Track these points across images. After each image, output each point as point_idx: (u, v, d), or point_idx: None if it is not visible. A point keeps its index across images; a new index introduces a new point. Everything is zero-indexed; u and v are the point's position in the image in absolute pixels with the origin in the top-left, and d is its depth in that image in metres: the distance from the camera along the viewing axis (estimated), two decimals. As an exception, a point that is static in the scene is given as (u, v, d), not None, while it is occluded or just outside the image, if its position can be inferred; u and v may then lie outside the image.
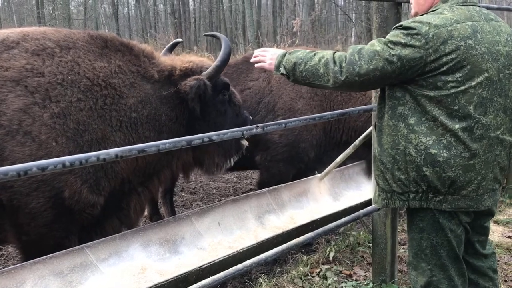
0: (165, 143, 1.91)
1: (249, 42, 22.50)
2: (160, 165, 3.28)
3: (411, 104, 2.14)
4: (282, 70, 2.38)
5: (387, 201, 2.31)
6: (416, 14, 2.36)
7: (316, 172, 4.64)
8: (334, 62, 2.18)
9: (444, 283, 2.28)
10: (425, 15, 2.17)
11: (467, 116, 2.07)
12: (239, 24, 29.62)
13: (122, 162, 3.01)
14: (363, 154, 4.42)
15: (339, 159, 4.08)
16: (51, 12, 28.55)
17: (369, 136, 3.46)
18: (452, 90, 2.04)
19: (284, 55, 2.40)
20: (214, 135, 2.13)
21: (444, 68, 2.04)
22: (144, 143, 3.01)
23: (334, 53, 2.24)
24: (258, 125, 2.31)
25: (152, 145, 1.88)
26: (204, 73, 3.31)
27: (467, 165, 2.10)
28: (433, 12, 2.18)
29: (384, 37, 2.19)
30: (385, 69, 2.08)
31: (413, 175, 2.16)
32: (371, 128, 3.28)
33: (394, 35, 2.13)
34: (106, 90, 2.97)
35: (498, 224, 4.49)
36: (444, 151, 2.09)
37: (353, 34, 26.33)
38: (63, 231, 2.89)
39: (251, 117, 3.88)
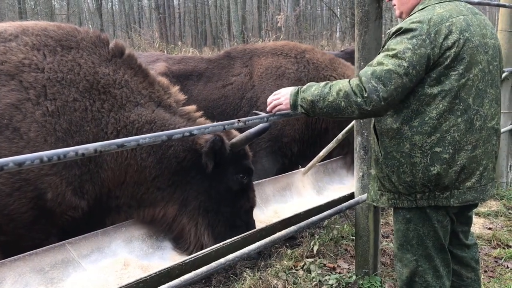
0: (145, 138, 1.89)
1: (234, 38, 22.43)
2: (146, 197, 3.12)
3: (414, 105, 2.14)
4: (300, 109, 2.33)
5: (395, 201, 2.30)
6: (401, 14, 2.36)
7: (299, 166, 4.67)
8: (355, 93, 2.10)
9: (429, 273, 2.30)
10: (418, 14, 2.15)
11: (468, 108, 2.11)
12: (224, 20, 29.54)
13: (110, 171, 2.94)
14: (349, 149, 4.46)
15: (322, 153, 4.10)
16: (33, 7, 28.11)
17: (351, 130, 3.48)
18: (455, 84, 2.07)
19: (297, 92, 2.33)
20: (195, 129, 2.11)
21: (448, 61, 2.06)
22: (140, 165, 3.00)
23: (349, 81, 2.16)
24: (239, 119, 2.31)
25: (131, 140, 1.86)
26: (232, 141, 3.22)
27: (471, 157, 2.14)
28: (423, 9, 2.18)
29: (385, 48, 2.13)
30: (405, 82, 2.05)
31: (419, 176, 2.17)
32: (353, 122, 3.29)
33: (398, 42, 2.08)
34: (105, 96, 2.91)
35: (479, 216, 4.55)
36: (449, 147, 2.11)
37: (337, 29, 26.42)
38: (42, 233, 2.82)
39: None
